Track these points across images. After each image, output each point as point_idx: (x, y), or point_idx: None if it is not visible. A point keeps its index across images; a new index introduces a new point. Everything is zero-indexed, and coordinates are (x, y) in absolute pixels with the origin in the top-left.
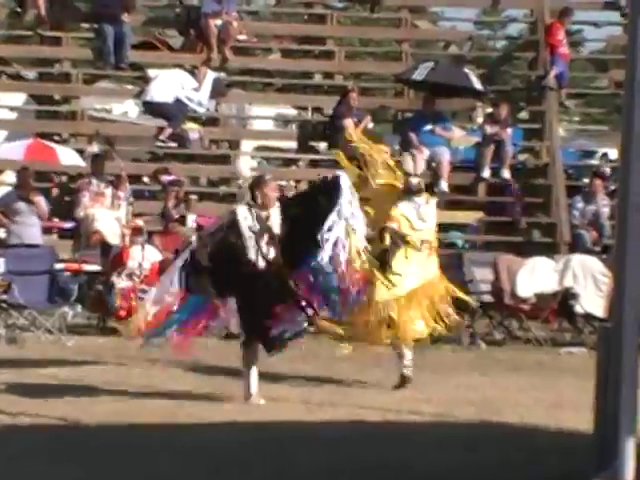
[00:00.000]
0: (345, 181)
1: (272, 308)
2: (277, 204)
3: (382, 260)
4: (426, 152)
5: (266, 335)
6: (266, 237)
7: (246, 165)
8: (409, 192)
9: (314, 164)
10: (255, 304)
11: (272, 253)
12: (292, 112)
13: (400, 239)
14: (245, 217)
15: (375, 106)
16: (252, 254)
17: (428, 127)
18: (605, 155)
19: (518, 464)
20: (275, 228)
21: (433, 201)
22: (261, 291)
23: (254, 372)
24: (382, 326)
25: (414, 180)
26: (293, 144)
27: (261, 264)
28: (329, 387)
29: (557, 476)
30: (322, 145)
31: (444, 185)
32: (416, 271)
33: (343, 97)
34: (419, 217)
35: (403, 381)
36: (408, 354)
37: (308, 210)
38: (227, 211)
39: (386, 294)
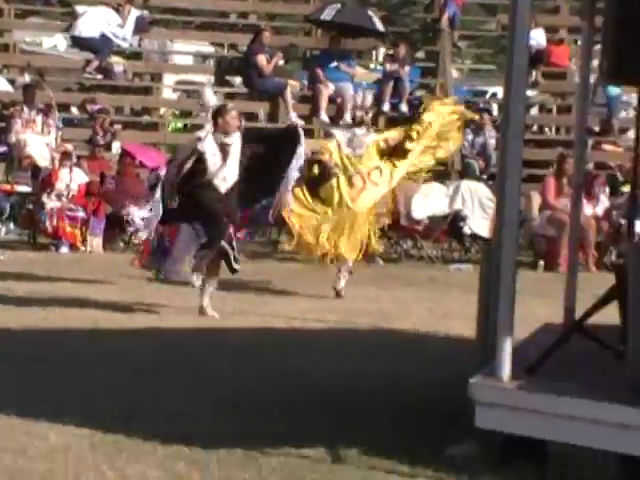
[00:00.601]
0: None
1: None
2: (238, 133)
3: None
4: (331, 87)
5: (227, 255)
6: (227, 162)
7: (212, 93)
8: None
9: (230, 96)
10: (219, 226)
11: (232, 177)
12: (210, 49)
13: (329, 170)
14: (209, 143)
15: (286, 44)
16: (215, 178)
17: (334, 64)
18: (494, 95)
19: (411, 367)
20: (236, 154)
21: (373, 135)
22: (222, 213)
23: (211, 288)
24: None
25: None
26: (211, 78)
27: (222, 188)
28: (241, 296)
29: (445, 377)
30: (237, 79)
31: (348, 117)
32: (345, 202)
33: (257, 35)
34: (349, 145)
35: (337, 294)
36: (344, 270)
37: (268, 152)
38: (193, 138)
39: (314, 220)
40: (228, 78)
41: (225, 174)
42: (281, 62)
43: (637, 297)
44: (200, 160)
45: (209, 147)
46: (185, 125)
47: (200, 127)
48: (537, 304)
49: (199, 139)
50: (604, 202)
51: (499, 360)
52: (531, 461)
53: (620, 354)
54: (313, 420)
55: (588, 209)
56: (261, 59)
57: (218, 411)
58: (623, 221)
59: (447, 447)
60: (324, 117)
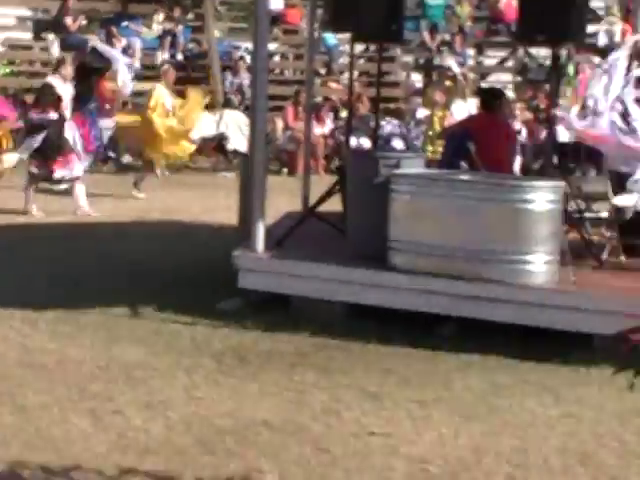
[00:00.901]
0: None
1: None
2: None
3: None
4: (124, 41)
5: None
6: (70, 97)
7: (56, 47)
8: None
9: (44, 49)
10: (52, 149)
11: (69, 110)
12: (28, 12)
13: None
14: (62, 87)
15: (87, 8)
16: (66, 110)
17: (125, 24)
18: (247, 48)
19: (191, 247)
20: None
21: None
22: (62, 139)
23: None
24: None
25: None
26: (29, 35)
27: (67, 115)
28: (60, 200)
29: (215, 253)
30: (50, 36)
31: (137, 64)
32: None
33: (64, 2)
34: None
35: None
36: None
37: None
38: (44, 82)
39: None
40: (42, 35)
41: (68, 106)
42: (84, 22)
43: (352, 189)
44: (58, 99)
45: (63, 90)
46: (12, 71)
47: (24, 73)
48: (282, 199)
49: (54, 87)
50: (329, 124)
51: (254, 237)
52: (280, 309)
53: (342, 231)
54: (118, 287)
55: (318, 129)
56: (68, 20)
57: (48, 282)
58: (342, 137)
59: (219, 302)
60: None
